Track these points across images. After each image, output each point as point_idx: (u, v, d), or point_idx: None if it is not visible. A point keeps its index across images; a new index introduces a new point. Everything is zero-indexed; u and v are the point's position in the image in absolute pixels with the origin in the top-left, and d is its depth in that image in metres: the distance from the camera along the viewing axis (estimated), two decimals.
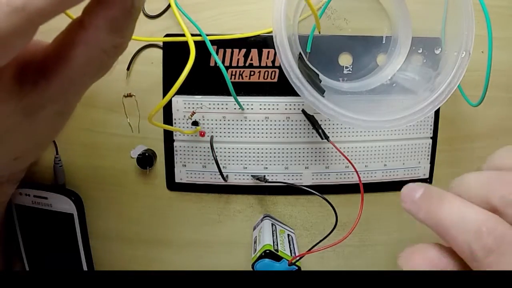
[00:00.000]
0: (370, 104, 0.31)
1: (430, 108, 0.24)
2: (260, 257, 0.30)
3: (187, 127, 0.33)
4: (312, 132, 0.33)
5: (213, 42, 0.31)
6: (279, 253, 0.30)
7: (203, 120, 0.33)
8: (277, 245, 0.31)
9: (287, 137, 0.33)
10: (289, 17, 0.29)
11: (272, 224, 0.33)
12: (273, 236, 0.31)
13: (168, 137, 0.34)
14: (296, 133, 0.33)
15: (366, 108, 0.27)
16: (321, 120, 0.32)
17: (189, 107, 0.33)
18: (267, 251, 0.30)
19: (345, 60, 0.33)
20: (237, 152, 0.33)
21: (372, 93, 0.31)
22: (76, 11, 0.19)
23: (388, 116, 0.24)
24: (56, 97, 0.20)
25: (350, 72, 0.32)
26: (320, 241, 0.31)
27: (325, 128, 0.33)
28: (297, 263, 0.30)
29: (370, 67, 0.33)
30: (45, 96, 0.19)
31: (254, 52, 0.32)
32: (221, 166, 0.33)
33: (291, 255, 0.30)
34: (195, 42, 0.27)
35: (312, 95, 0.24)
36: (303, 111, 0.32)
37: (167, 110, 0.33)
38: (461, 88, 0.30)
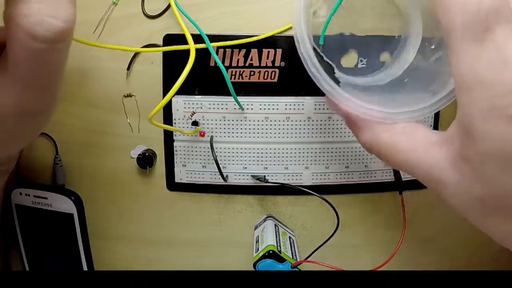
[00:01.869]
0: (383, 97, 0.30)
1: (444, 101, 0.24)
2: (263, 256, 0.30)
3: (187, 127, 0.33)
4: (312, 132, 0.33)
5: (213, 42, 0.31)
6: (281, 255, 0.30)
7: (203, 120, 0.33)
8: (280, 246, 0.31)
9: (287, 137, 0.33)
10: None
11: (275, 225, 0.33)
12: (276, 237, 0.31)
13: (168, 137, 0.34)
14: (296, 133, 0.33)
15: (380, 101, 0.27)
16: (323, 120, 0.32)
17: (189, 107, 0.33)
18: (271, 252, 0.29)
19: (354, 56, 0.32)
20: (237, 152, 0.33)
21: (384, 88, 0.31)
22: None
23: (402, 108, 0.24)
24: (13, 92, 0.20)
25: (364, 66, 0.32)
26: (323, 244, 0.31)
27: (325, 128, 0.33)
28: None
29: (381, 63, 0.32)
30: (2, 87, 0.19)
31: (254, 52, 0.32)
32: (221, 166, 0.33)
33: (292, 257, 0.30)
34: (195, 42, 0.27)
35: (329, 84, 0.24)
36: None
37: (167, 110, 0.33)
38: None
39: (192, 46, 0.26)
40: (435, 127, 0.34)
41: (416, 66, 0.30)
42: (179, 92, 0.25)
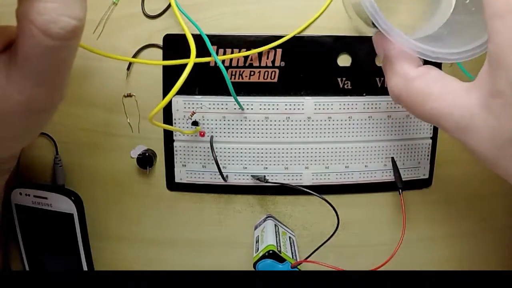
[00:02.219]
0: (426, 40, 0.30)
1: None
2: (263, 256, 0.30)
3: (187, 127, 0.33)
4: (312, 132, 0.33)
5: (213, 42, 0.31)
6: (281, 255, 0.30)
7: (203, 120, 0.33)
8: (280, 246, 0.31)
9: (287, 137, 0.33)
10: None
11: (275, 225, 0.33)
12: (276, 237, 0.31)
13: (168, 137, 0.34)
14: (296, 133, 0.33)
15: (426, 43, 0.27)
16: (323, 120, 0.32)
17: (189, 107, 0.33)
18: (271, 252, 0.29)
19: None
20: (237, 152, 0.33)
21: (424, 39, 0.30)
22: None
23: (449, 49, 0.24)
24: (22, 88, 0.19)
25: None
26: (323, 244, 0.31)
27: (325, 128, 0.33)
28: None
29: (420, 18, 0.31)
30: (9, 78, 0.19)
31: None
32: (221, 166, 0.33)
33: (292, 257, 0.31)
34: (195, 42, 0.27)
35: (384, 20, 0.24)
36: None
37: (167, 110, 0.33)
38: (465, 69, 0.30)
39: (192, 47, 0.26)
40: (436, 126, 0.34)
41: (454, 19, 0.30)
42: (179, 92, 0.25)
